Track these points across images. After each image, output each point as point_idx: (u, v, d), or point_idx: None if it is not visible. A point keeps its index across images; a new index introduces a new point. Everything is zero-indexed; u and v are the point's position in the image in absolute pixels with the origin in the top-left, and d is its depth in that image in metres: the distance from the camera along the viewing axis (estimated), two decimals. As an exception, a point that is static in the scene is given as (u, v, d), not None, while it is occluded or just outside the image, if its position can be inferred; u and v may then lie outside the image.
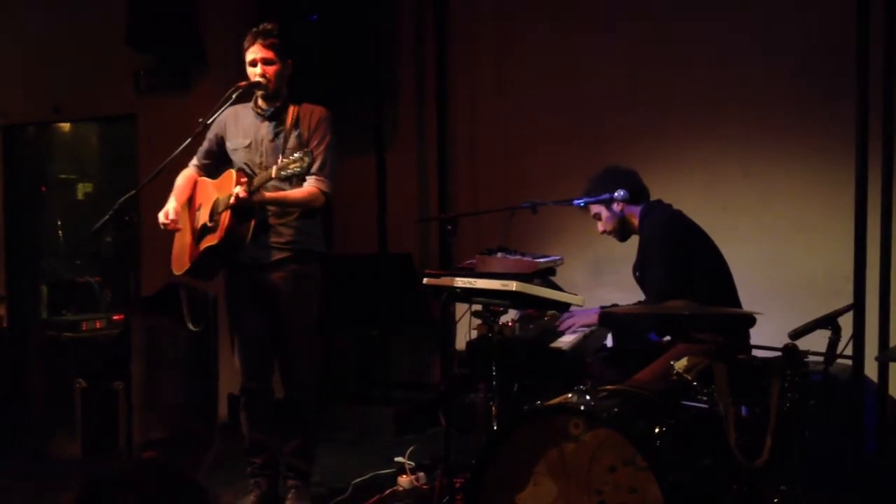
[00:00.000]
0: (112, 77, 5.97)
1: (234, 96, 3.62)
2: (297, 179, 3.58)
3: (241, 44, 3.72)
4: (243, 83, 3.66)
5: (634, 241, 3.73)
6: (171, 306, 4.78)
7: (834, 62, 4.39)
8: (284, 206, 3.68)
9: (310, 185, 3.64)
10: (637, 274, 3.64)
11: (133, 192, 3.39)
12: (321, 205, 3.71)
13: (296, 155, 3.39)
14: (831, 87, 4.43)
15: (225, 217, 3.55)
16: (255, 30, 3.69)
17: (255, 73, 3.67)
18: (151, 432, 4.98)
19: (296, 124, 3.71)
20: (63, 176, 7.23)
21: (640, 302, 3.66)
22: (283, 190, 3.64)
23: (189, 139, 3.65)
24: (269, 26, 3.69)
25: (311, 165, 3.44)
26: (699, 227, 3.63)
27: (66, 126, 7.10)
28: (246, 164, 3.72)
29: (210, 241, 3.62)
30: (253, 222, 3.58)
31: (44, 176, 7.09)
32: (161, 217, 3.75)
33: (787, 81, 4.62)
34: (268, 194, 3.59)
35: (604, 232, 3.75)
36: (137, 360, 4.86)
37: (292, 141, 3.68)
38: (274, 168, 3.43)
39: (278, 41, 3.67)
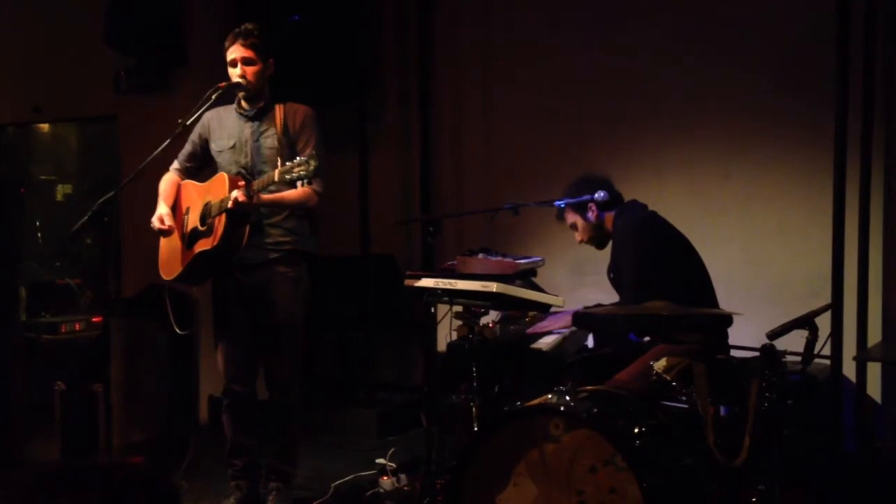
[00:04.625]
0: (92, 77, 5.93)
1: (213, 97, 3.61)
2: (303, 183, 3.48)
3: (223, 45, 3.71)
4: (223, 84, 3.65)
5: (615, 243, 3.75)
6: (151, 308, 4.76)
7: (813, 67, 4.42)
8: (281, 208, 3.67)
9: (303, 186, 3.61)
10: (612, 276, 3.65)
11: (112, 193, 3.37)
12: (314, 204, 3.71)
13: (300, 159, 3.29)
14: (811, 92, 4.46)
15: (220, 221, 3.51)
16: (235, 30, 3.68)
17: (235, 73, 3.66)
18: (131, 435, 4.95)
19: (280, 124, 3.70)
20: (43, 177, 7.18)
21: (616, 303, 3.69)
22: (279, 192, 3.61)
23: (169, 140, 3.64)
24: (249, 26, 3.68)
25: (317, 169, 3.29)
26: (674, 227, 3.65)
27: (45, 127, 7.05)
28: (235, 163, 3.70)
29: (204, 245, 3.58)
30: (248, 226, 3.55)
31: (23, 177, 7.04)
32: (155, 222, 3.71)
33: (767, 86, 4.65)
34: (265, 196, 3.54)
35: (582, 241, 3.77)
36: (117, 362, 4.84)
37: (276, 141, 3.68)
38: (276, 172, 3.34)
39: (259, 41, 3.66)
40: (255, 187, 3.46)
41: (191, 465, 4.12)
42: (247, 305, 3.76)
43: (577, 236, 3.76)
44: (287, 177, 3.32)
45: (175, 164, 3.89)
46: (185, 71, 5.60)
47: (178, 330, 3.73)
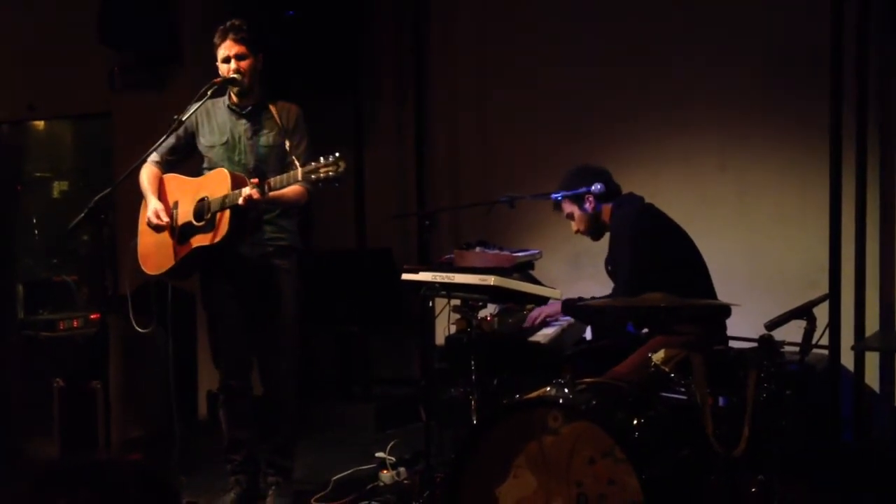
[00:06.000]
0: (87, 75, 5.92)
1: (209, 93, 3.60)
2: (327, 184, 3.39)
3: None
4: (218, 80, 3.65)
5: (612, 235, 3.75)
6: (149, 305, 4.75)
7: (809, 59, 4.42)
8: (280, 205, 3.66)
9: (298, 184, 3.60)
10: (609, 268, 3.66)
11: (108, 189, 3.36)
12: (305, 202, 3.72)
13: (326, 159, 3.23)
14: (806, 84, 4.46)
15: (223, 217, 3.49)
16: (223, 26, 3.68)
17: (229, 68, 3.66)
18: (130, 431, 4.95)
19: (274, 122, 3.70)
20: (39, 174, 7.17)
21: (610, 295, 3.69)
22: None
23: (164, 137, 3.63)
24: (237, 22, 3.68)
25: (346, 171, 3.26)
26: (671, 219, 3.65)
27: (41, 124, 7.03)
28: (228, 159, 3.69)
29: (203, 240, 3.56)
30: (250, 223, 3.55)
31: (19, 174, 7.02)
32: (153, 218, 3.67)
33: (763, 77, 4.66)
34: (270, 194, 3.49)
35: (578, 231, 3.77)
36: (115, 359, 4.83)
37: (278, 139, 3.68)
38: (300, 171, 3.29)
39: (248, 35, 3.66)
40: (272, 185, 3.43)
41: (190, 460, 4.12)
42: (242, 300, 3.76)
43: (574, 226, 3.77)
44: (313, 177, 3.26)
45: (154, 157, 3.80)
46: (180, 67, 5.59)
47: (137, 328, 3.74)
